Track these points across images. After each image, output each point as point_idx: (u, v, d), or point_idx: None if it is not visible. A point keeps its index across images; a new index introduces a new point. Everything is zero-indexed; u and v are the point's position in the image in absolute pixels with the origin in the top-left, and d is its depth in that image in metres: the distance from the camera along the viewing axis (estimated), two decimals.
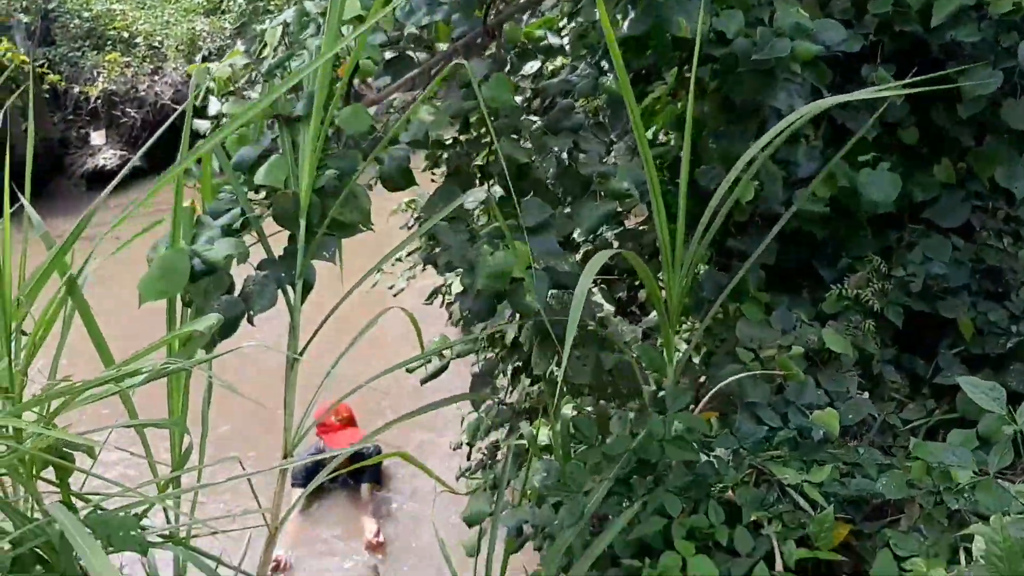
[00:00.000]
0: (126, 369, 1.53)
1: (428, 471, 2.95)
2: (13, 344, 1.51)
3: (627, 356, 3.00)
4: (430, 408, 3.04)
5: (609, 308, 3.63)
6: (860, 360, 3.27)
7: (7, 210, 1.79)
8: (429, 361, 4.09)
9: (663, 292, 2.82)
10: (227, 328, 2.13)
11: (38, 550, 1.70)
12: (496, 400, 4.07)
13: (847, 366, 3.14)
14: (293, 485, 5.39)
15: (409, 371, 4.09)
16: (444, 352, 4.02)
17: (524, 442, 3.90)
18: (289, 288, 2.19)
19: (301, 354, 2.34)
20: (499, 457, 4.25)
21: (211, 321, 1.84)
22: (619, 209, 3.02)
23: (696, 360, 3.43)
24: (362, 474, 5.80)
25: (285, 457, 2.15)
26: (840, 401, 3.05)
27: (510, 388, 4.28)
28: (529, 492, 3.79)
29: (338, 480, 5.81)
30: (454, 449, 4.51)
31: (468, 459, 4.48)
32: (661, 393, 3.07)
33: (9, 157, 2.00)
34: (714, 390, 2.92)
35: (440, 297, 5.28)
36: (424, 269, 4.69)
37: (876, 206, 3.20)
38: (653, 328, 3.35)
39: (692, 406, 2.98)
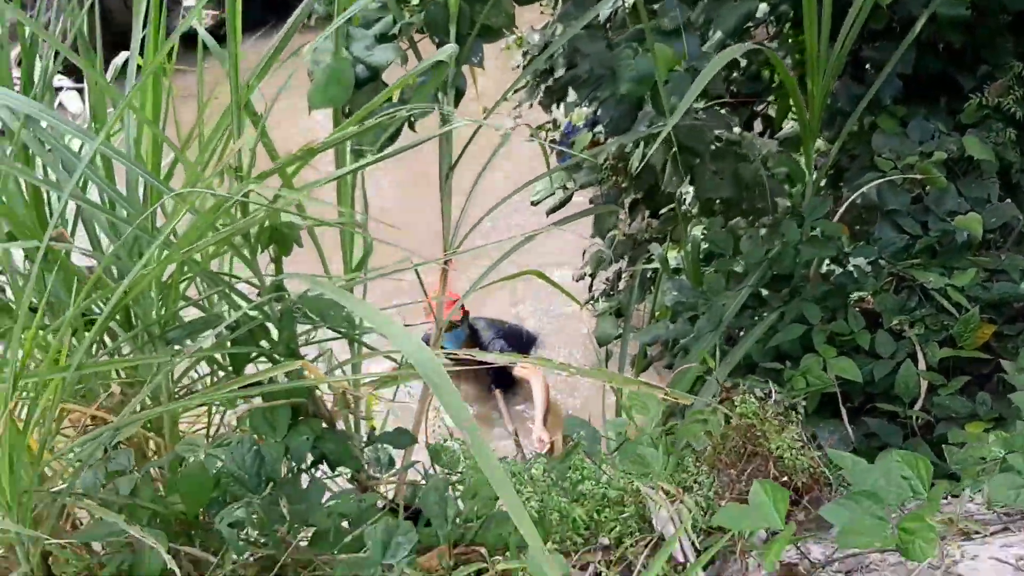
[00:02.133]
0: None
1: (561, 288, 3.04)
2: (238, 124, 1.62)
3: (764, 170, 3.00)
4: (554, 225, 3.12)
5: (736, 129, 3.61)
6: (999, 170, 3.21)
7: None
8: (552, 194, 4.15)
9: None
10: (391, 137, 2.22)
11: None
12: (620, 230, 4.14)
13: (989, 174, 3.08)
14: None
15: (534, 203, 4.16)
16: (567, 184, 4.07)
17: (650, 267, 3.99)
18: (441, 95, 2.25)
19: (454, 166, 2.41)
20: (621, 286, 4.35)
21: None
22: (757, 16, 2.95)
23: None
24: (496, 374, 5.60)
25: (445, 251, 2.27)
26: (981, 208, 3.01)
27: (629, 220, 4.34)
28: (658, 313, 3.89)
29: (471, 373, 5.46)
30: (577, 280, 4.62)
31: (590, 291, 4.59)
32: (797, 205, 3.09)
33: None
34: (851, 198, 2.91)
35: (544, 134, 5.24)
36: (531, 106, 4.66)
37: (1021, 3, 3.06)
38: (787, 143, 3.32)
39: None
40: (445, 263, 2.29)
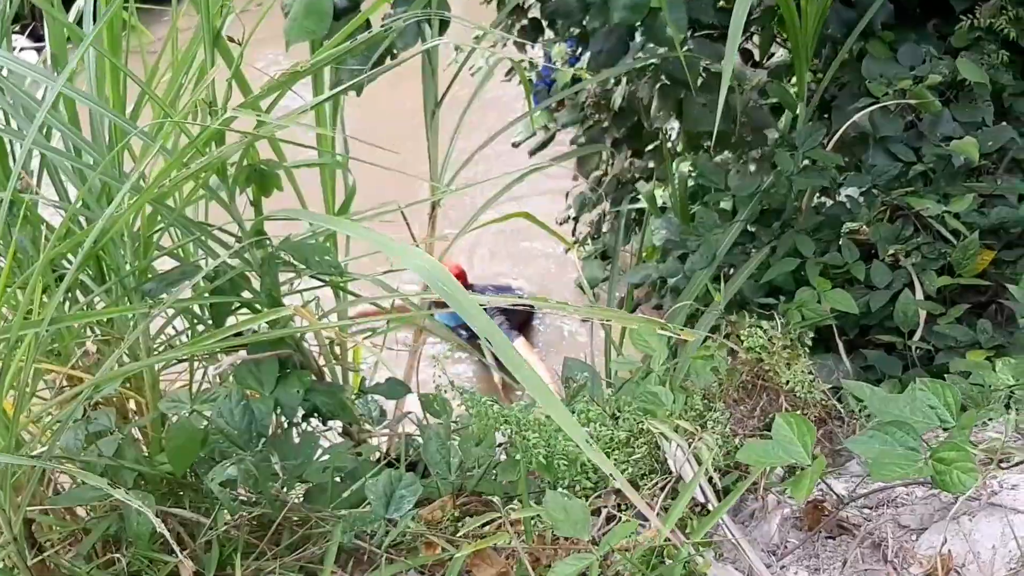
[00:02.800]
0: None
1: (550, 229, 2.96)
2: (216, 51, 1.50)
3: (754, 100, 2.91)
4: (535, 170, 3.02)
5: None
6: (991, 93, 3.14)
7: None
8: (534, 134, 4.04)
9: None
10: (375, 65, 2.11)
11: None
12: (602, 170, 4.04)
13: (982, 97, 3.01)
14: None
15: (515, 144, 4.05)
16: (548, 125, 3.96)
17: (635, 207, 3.90)
18: (426, 26, 2.14)
19: (440, 103, 2.31)
20: (605, 228, 4.26)
21: None
22: None
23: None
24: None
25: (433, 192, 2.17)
26: (975, 132, 2.94)
27: (611, 160, 4.24)
28: (645, 254, 3.82)
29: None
30: (560, 224, 4.53)
31: (573, 233, 4.51)
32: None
33: None
34: (844, 125, 2.83)
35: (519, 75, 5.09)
36: (504, 45, 4.50)
37: None
38: (775, 73, 3.22)
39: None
40: (433, 205, 2.20)
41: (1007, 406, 1.89)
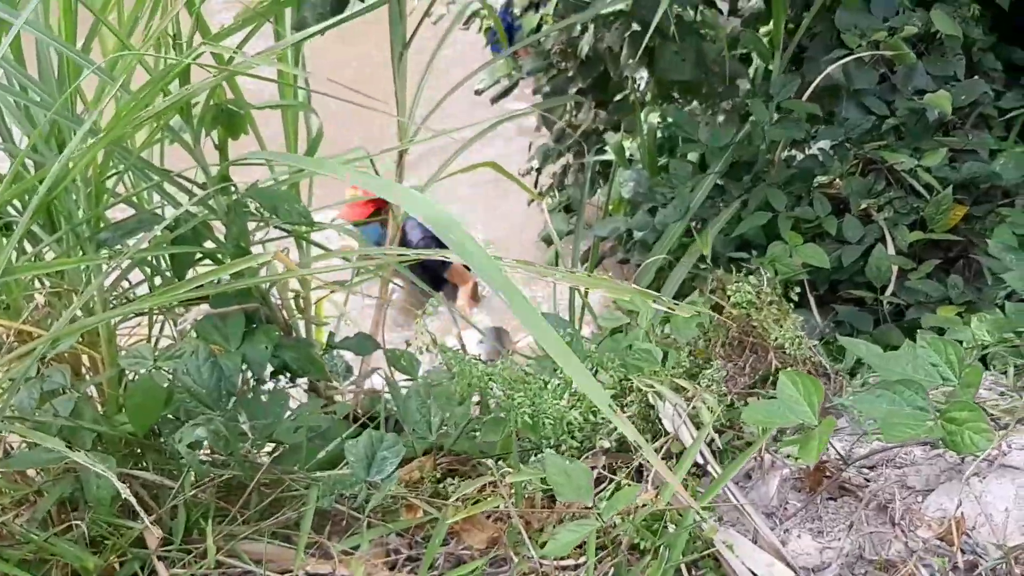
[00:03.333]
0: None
1: (516, 179, 2.87)
2: None
3: (728, 50, 2.84)
4: (498, 122, 2.93)
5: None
6: (961, 47, 3.11)
7: None
8: (497, 82, 3.93)
9: None
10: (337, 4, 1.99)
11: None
12: (567, 121, 3.95)
13: (954, 51, 2.98)
14: None
15: (478, 92, 3.94)
16: (512, 72, 3.85)
17: (600, 158, 3.83)
18: None
19: (408, 44, 2.20)
20: (569, 181, 4.19)
21: None
22: None
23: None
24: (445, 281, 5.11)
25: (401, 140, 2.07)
26: (947, 86, 2.92)
27: (575, 112, 4.15)
28: (611, 206, 3.76)
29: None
30: (523, 175, 4.43)
31: (535, 186, 4.43)
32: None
33: None
34: (820, 77, 2.78)
35: (478, 21, 4.93)
36: None
37: None
38: (751, 20, 3.15)
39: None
40: (401, 153, 2.09)
41: (983, 361, 1.88)
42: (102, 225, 1.65)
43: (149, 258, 1.82)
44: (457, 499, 1.31)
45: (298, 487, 1.47)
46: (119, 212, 1.77)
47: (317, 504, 1.33)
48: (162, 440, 1.57)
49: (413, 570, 1.30)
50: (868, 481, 1.23)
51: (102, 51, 1.64)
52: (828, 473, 1.24)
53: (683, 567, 1.11)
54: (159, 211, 1.78)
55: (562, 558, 1.17)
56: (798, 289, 1.90)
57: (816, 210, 2.81)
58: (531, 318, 0.94)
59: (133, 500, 1.22)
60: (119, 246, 1.62)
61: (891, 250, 2.69)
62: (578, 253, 3.40)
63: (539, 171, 4.29)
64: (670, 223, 2.79)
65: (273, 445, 1.67)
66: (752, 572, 1.03)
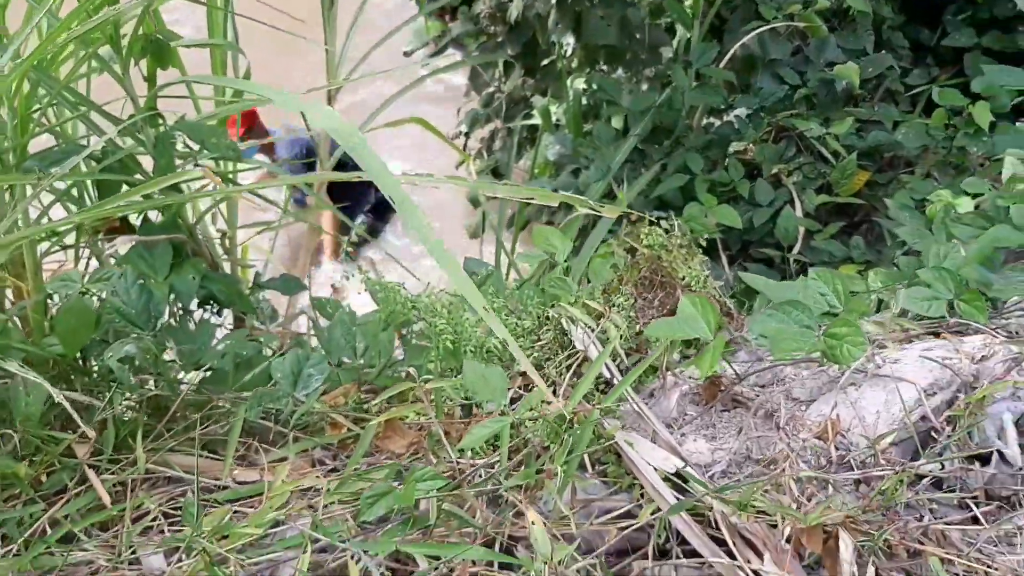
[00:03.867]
0: None
1: (441, 135, 2.91)
2: None
3: (652, 18, 2.94)
4: (421, 80, 2.98)
5: None
6: (872, 24, 3.28)
7: None
8: (426, 44, 3.97)
9: None
10: None
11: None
12: (495, 86, 4.02)
13: (864, 26, 3.14)
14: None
15: (406, 53, 3.98)
16: (443, 32, 3.89)
17: (527, 122, 3.91)
18: None
19: None
20: (497, 145, 4.26)
21: None
22: None
23: None
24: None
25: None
26: (856, 59, 3.07)
27: (503, 78, 4.22)
28: (538, 170, 3.84)
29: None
30: (452, 139, 4.48)
31: (464, 150, 4.48)
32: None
33: None
34: (735, 46, 2.90)
35: None
36: None
37: None
38: None
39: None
40: (329, 94, 2.14)
41: (876, 309, 2.03)
42: (27, 155, 1.66)
43: (74, 192, 1.84)
44: (379, 408, 1.37)
45: (225, 406, 1.52)
46: (43, 142, 1.78)
47: (245, 415, 1.38)
48: (91, 363, 1.59)
49: (337, 479, 1.36)
50: (758, 395, 1.34)
51: None
52: (722, 387, 1.35)
53: (587, 459, 1.20)
54: (86, 143, 1.79)
55: (478, 457, 1.25)
56: (707, 236, 2.01)
57: (731, 174, 2.94)
58: (423, 232, 1.01)
59: (67, 404, 1.26)
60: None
61: (799, 212, 2.84)
62: (504, 215, 3.48)
63: (468, 135, 4.35)
64: (592, 183, 2.88)
65: (200, 374, 1.71)
66: (649, 464, 1.12)
